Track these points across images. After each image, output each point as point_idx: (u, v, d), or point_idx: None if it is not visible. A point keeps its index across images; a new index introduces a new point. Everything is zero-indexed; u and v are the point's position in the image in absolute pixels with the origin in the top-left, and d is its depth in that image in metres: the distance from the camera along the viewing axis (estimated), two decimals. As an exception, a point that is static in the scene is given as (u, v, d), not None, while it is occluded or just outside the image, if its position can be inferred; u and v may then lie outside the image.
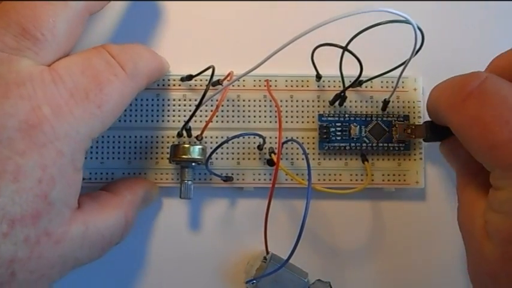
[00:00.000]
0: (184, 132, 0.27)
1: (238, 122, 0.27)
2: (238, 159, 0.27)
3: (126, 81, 0.22)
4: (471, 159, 0.22)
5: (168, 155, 0.26)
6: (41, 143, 0.20)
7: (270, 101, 0.27)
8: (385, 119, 0.27)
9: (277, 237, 0.26)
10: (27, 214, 0.19)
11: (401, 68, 0.25)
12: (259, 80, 0.27)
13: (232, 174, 0.27)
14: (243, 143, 0.27)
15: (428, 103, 0.24)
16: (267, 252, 0.26)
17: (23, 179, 0.19)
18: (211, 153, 0.25)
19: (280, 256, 0.26)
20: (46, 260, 0.20)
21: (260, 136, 0.26)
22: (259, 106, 0.27)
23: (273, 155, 0.26)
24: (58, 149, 0.20)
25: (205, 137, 0.27)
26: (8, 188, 0.19)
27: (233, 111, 0.27)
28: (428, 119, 0.27)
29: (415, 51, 0.23)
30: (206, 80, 0.27)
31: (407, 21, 0.21)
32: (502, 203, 0.20)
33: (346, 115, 0.27)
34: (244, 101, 0.27)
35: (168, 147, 0.27)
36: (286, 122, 0.27)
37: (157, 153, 0.27)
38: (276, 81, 0.27)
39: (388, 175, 0.27)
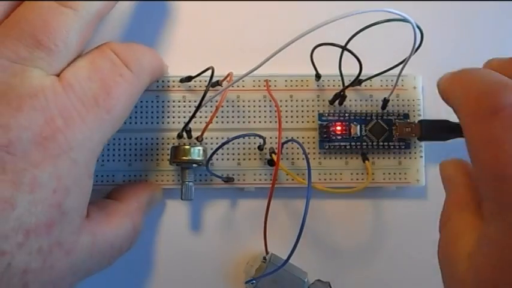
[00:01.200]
0: (185, 134, 0.27)
1: (238, 122, 0.27)
2: (238, 159, 0.27)
3: (132, 80, 0.22)
4: (469, 187, 0.20)
5: (169, 157, 0.26)
6: (55, 154, 0.20)
7: (270, 101, 0.27)
8: (385, 117, 0.27)
9: (277, 237, 0.26)
10: (41, 224, 0.19)
11: (400, 67, 0.25)
12: (259, 81, 0.27)
13: (233, 174, 0.27)
14: (243, 143, 0.27)
15: (446, 90, 0.21)
16: (267, 253, 0.26)
17: (38, 190, 0.19)
18: (212, 154, 0.25)
19: (280, 256, 0.26)
20: (58, 270, 0.20)
21: (260, 136, 0.26)
22: (259, 106, 0.27)
23: (273, 155, 0.26)
24: (72, 159, 0.20)
25: (206, 138, 0.27)
26: (24, 199, 0.19)
27: (233, 111, 0.27)
28: (426, 117, 0.27)
29: (414, 50, 0.23)
30: (205, 81, 0.27)
31: (406, 20, 0.21)
32: (488, 241, 0.18)
33: (346, 114, 0.27)
34: (244, 101, 0.27)
35: (168, 149, 0.27)
36: (286, 122, 0.27)
37: (157, 154, 0.27)
38: (275, 81, 0.27)
39: (389, 174, 0.27)
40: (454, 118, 0.27)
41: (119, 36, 0.28)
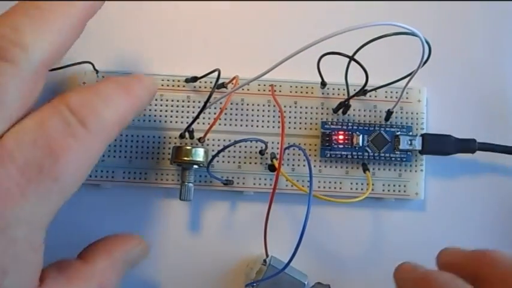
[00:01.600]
0: (187, 134, 0.27)
1: (241, 125, 0.27)
2: (239, 163, 0.27)
3: (88, 139, 0.19)
4: None
5: (170, 156, 0.26)
6: None
7: (274, 106, 0.27)
8: (388, 129, 0.27)
9: (277, 241, 0.26)
10: None
11: (406, 79, 0.25)
12: (264, 85, 0.27)
13: (233, 177, 0.27)
14: (245, 147, 0.27)
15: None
16: (267, 255, 0.25)
17: None
18: (214, 157, 0.25)
19: (280, 259, 0.26)
20: None
21: (262, 141, 0.26)
22: (263, 111, 0.27)
23: (274, 160, 0.26)
24: (9, 237, 0.18)
25: (207, 140, 0.27)
26: None
27: (236, 114, 0.27)
28: (429, 131, 0.27)
29: (422, 64, 0.23)
30: (211, 82, 0.27)
31: (414, 34, 0.21)
32: None
33: (349, 124, 0.27)
34: (248, 105, 0.27)
35: (169, 148, 0.27)
36: (289, 128, 0.27)
37: (158, 153, 0.27)
38: (280, 86, 0.27)
39: (389, 185, 0.27)
40: (456, 133, 0.27)
41: (125, 34, 0.28)
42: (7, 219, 0.18)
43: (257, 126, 0.27)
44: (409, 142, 0.27)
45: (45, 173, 0.18)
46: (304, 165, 0.27)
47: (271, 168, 0.27)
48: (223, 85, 0.27)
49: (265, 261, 0.25)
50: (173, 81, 0.27)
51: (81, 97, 0.20)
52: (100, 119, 0.19)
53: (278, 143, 0.27)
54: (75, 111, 0.19)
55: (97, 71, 0.27)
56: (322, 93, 0.28)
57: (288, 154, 0.27)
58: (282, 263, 0.24)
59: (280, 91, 0.27)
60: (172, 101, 0.27)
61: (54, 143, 0.18)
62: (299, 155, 0.27)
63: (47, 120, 0.19)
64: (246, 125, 0.27)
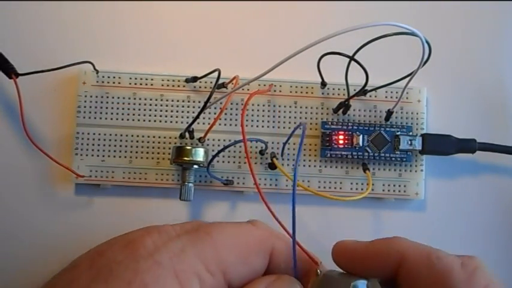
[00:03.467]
0: (187, 134, 0.27)
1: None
2: (239, 163, 0.27)
3: None
4: None
5: (170, 156, 0.26)
6: None
7: (274, 105, 0.27)
8: (388, 129, 0.27)
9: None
10: None
11: (407, 79, 0.25)
12: (264, 85, 0.27)
13: (233, 177, 0.27)
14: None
15: None
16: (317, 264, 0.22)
17: None
18: (214, 157, 0.25)
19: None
20: None
21: (262, 141, 0.26)
22: (263, 111, 0.27)
23: (274, 159, 0.26)
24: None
25: (207, 139, 0.27)
26: None
27: (236, 114, 0.27)
28: (429, 131, 0.27)
29: (422, 64, 0.23)
30: (211, 82, 0.27)
31: (414, 34, 0.21)
32: None
33: (350, 124, 0.27)
34: (248, 105, 0.27)
35: (169, 148, 0.27)
36: (289, 127, 0.27)
37: (158, 153, 0.27)
38: (280, 86, 0.27)
39: (389, 185, 0.27)
40: (456, 133, 0.27)
41: (127, 36, 0.28)
42: None
43: (257, 126, 0.27)
44: (409, 142, 0.27)
45: None
46: (304, 165, 0.27)
47: (272, 166, 0.27)
48: (223, 85, 0.27)
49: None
50: (173, 81, 0.27)
51: None
52: None
53: (278, 143, 0.27)
54: None
55: (97, 71, 0.27)
56: (322, 93, 0.28)
57: (288, 154, 0.27)
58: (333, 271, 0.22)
59: (280, 91, 0.27)
60: (173, 101, 0.27)
61: None
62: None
63: None
64: (246, 125, 0.27)
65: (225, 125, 0.27)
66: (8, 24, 0.28)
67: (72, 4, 0.28)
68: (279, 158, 0.27)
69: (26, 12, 0.28)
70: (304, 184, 0.27)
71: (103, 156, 0.27)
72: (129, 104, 0.27)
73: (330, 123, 0.27)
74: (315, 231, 0.27)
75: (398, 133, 0.27)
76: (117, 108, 0.27)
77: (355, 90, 0.26)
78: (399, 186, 0.27)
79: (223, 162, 0.27)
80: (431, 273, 0.19)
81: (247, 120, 0.27)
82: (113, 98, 0.27)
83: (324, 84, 0.27)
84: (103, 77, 0.27)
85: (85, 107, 0.27)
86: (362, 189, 0.27)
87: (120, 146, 0.27)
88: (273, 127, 0.27)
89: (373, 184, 0.27)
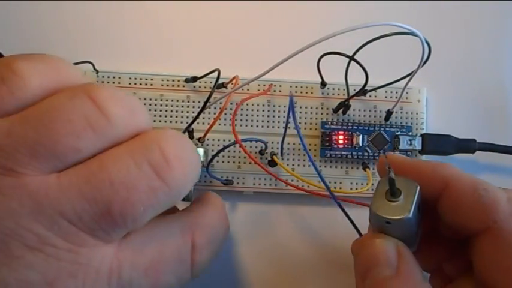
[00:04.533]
0: (187, 134, 0.27)
1: (241, 125, 0.27)
2: (239, 163, 0.27)
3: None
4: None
5: (170, 156, 0.26)
6: None
7: (274, 106, 0.27)
8: (387, 129, 0.27)
9: (279, 241, 0.26)
10: None
11: (406, 79, 0.25)
12: (264, 85, 0.27)
13: (233, 177, 0.27)
14: (245, 147, 0.27)
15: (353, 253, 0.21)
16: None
17: None
18: (214, 157, 0.25)
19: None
20: None
21: (262, 141, 0.26)
22: (263, 111, 0.27)
23: (274, 156, 0.26)
24: None
25: (207, 139, 0.27)
26: None
27: (236, 114, 0.27)
28: (429, 131, 0.27)
29: (422, 64, 0.23)
30: (211, 82, 0.27)
31: (414, 34, 0.21)
32: None
33: (349, 124, 0.27)
34: (248, 105, 0.27)
35: (169, 148, 0.27)
36: (289, 127, 0.27)
37: (158, 153, 0.27)
38: (280, 86, 0.27)
39: (389, 185, 0.27)
40: (456, 133, 0.27)
41: (121, 35, 0.28)
42: None
43: (257, 126, 0.27)
44: (409, 142, 0.27)
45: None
46: (304, 165, 0.27)
47: (272, 164, 0.27)
48: (223, 85, 0.27)
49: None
50: (173, 81, 0.27)
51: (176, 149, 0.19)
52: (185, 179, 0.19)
53: (278, 142, 0.27)
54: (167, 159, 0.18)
55: (97, 71, 0.27)
56: (322, 93, 0.28)
57: (288, 154, 0.27)
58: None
59: (280, 91, 0.27)
60: (172, 101, 0.27)
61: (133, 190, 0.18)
62: (299, 155, 0.27)
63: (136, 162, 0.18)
64: (246, 125, 0.27)
65: (224, 125, 0.27)
66: (8, 24, 0.28)
67: (72, 4, 0.28)
68: (278, 158, 0.27)
69: (26, 12, 0.28)
70: (304, 184, 0.26)
71: (103, 156, 0.27)
72: (129, 104, 0.27)
73: (329, 123, 0.27)
74: (315, 230, 0.27)
75: (398, 133, 0.27)
76: (117, 108, 0.27)
77: (354, 90, 0.26)
78: (399, 186, 0.27)
79: (223, 162, 0.27)
80: (476, 203, 0.19)
81: (246, 120, 0.27)
82: (113, 98, 0.27)
83: (323, 84, 0.27)
84: (103, 77, 0.27)
85: (85, 107, 0.27)
86: (362, 189, 0.27)
87: (120, 146, 0.27)
88: (273, 127, 0.27)
89: (372, 184, 0.27)
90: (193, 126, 0.26)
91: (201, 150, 0.26)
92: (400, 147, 0.27)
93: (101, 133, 0.18)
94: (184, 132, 0.26)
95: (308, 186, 0.26)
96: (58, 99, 0.18)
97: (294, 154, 0.27)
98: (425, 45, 0.22)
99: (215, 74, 0.26)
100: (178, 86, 0.27)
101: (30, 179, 0.17)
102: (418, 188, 0.19)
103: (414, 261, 0.19)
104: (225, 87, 0.27)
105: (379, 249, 0.19)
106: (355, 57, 0.24)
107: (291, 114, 0.24)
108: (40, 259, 0.17)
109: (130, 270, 0.18)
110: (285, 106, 0.27)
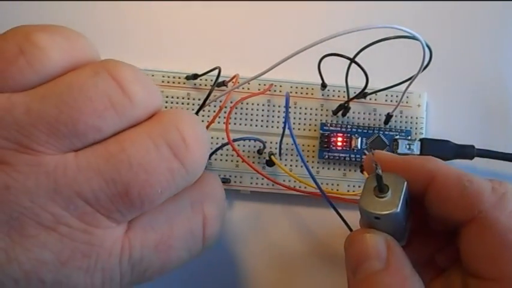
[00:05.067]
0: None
1: (240, 124, 0.27)
2: (237, 161, 0.27)
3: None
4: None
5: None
6: None
7: (274, 105, 0.27)
8: (386, 132, 0.27)
9: (276, 241, 0.26)
10: None
11: (407, 83, 0.25)
12: (264, 84, 0.27)
13: (230, 176, 0.27)
14: (243, 145, 0.27)
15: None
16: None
17: None
18: (211, 154, 0.25)
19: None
20: None
21: (260, 141, 0.26)
22: (262, 110, 0.27)
23: (272, 156, 0.26)
24: None
25: (206, 137, 0.27)
26: None
27: (235, 113, 0.27)
28: (428, 136, 0.27)
29: (423, 68, 0.23)
30: (211, 80, 0.27)
31: (415, 38, 0.21)
32: None
33: (349, 126, 0.27)
34: (247, 104, 0.27)
35: (168, 145, 0.27)
36: (288, 128, 0.27)
37: (157, 149, 0.27)
38: (280, 86, 0.27)
39: (386, 189, 0.27)
40: (455, 139, 0.27)
41: (122, 33, 0.28)
42: None
43: (256, 125, 0.27)
44: (408, 146, 0.27)
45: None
46: (302, 166, 0.27)
47: (269, 163, 0.27)
48: (223, 83, 0.27)
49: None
50: (174, 78, 0.27)
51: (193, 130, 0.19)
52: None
53: (277, 142, 0.27)
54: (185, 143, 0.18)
55: (98, 66, 0.27)
56: (322, 95, 0.28)
57: (286, 155, 0.27)
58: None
59: (280, 91, 0.27)
60: (173, 97, 0.27)
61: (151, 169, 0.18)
62: (297, 155, 0.27)
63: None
64: (245, 124, 0.27)
65: (223, 123, 0.27)
66: (8, 25, 0.28)
67: (73, 4, 0.28)
68: (276, 158, 0.27)
69: (26, 12, 0.28)
70: (301, 186, 0.26)
71: (101, 150, 0.27)
72: (128, 99, 0.27)
73: (329, 124, 0.27)
74: (314, 232, 0.27)
75: (397, 137, 0.27)
76: (117, 103, 0.27)
77: (355, 92, 0.26)
78: (396, 190, 0.27)
79: (220, 160, 0.27)
80: (461, 194, 0.19)
81: (246, 120, 0.27)
82: (113, 92, 0.27)
83: (324, 85, 0.27)
84: (104, 71, 0.27)
85: (85, 101, 0.27)
86: (359, 192, 0.27)
87: (119, 141, 0.27)
88: (272, 127, 0.27)
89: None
90: (192, 123, 0.26)
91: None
92: (399, 151, 0.27)
93: (123, 113, 0.17)
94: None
95: (305, 187, 0.26)
96: (80, 76, 0.17)
97: (292, 155, 0.27)
98: (427, 50, 0.22)
99: (216, 72, 0.26)
100: (178, 82, 0.27)
101: (48, 158, 0.17)
102: (405, 183, 0.20)
103: (403, 254, 0.19)
104: (226, 86, 0.27)
105: (369, 243, 0.19)
106: (356, 59, 0.24)
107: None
108: (54, 239, 0.17)
109: (141, 248, 0.18)
110: (284, 106, 0.27)
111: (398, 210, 0.19)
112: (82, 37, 0.19)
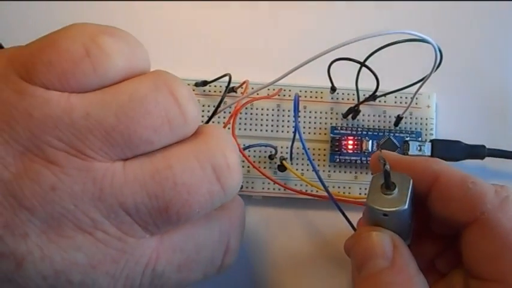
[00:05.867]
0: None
1: (250, 130, 0.27)
2: (248, 167, 0.27)
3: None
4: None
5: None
6: None
7: (283, 110, 0.27)
8: (397, 134, 0.27)
9: (288, 246, 0.27)
10: None
11: (417, 85, 0.25)
12: (273, 89, 0.27)
13: (242, 182, 0.27)
14: (254, 151, 0.27)
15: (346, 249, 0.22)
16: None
17: None
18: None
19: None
20: None
21: (272, 146, 0.26)
22: (272, 115, 0.27)
23: (284, 161, 0.26)
24: None
25: (217, 144, 0.27)
26: None
27: (245, 119, 0.27)
28: (438, 137, 0.27)
29: (434, 70, 0.23)
30: (220, 86, 0.27)
31: (426, 41, 0.21)
32: None
33: (359, 129, 0.27)
34: (257, 109, 0.27)
35: (179, 152, 0.27)
36: (298, 131, 0.27)
37: (168, 157, 0.27)
38: (290, 91, 0.27)
39: (398, 191, 0.27)
40: (465, 139, 0.27)
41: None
42: None
43: (266, 130, 0.27)
44: (419, 148, 0.27)
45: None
46: (313, 171, 0.27)
47: (281, 168, 0.27)
48: (233, 89, 0.27)
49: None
50: (183, 85, 0.27)
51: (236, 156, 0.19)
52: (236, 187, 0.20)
53: (288, 147, 0.27)
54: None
55: (107, 75, 0.27)
56: (332, 98, 0.28)
57: (297, 159, 0.27)
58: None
59: (289, 96, 0.27)
60: (182, 104, 0.27)
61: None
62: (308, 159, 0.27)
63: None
64: (255, 130, 0.27)
65: (229, 128, 0.27)
66: (8, 25, 0.28)
67: (75, 4, 0.28)
68: (288, 162, 0.27)
69: (26, 13, 0.28)
70: (312, 189, 0.26)
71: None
72: (138, 107, 0.27)
73: (339, 128, 0.27)
74: (323, 234, 0.27)
75: (408, 139, 0.27)
76: (127, 112, 0.27)
77: (364, 95, 0.26)
78: (408, 191, 0.27)
79: (232, 166, 0.27)
80: (464, 195, 0.20)
81: (256, 125, 0.27)
82: (123, 101, 0.27)
83: (333, 89, 0.27)
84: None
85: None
86: (371, 194, 0.27)
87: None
88: (282, 132, 0.27)
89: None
90: (202, 130, 0.26)
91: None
92: (410, 152, 0.27)
93: (176, 130, 0.18)
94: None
95: (317, 191, 0.26)
96: (141, 88, 0.18)
97: (303, 159, 0.27)
98: (438, 52, 0.22)
99: (225, 78, 0.26)
100: (188, 90, 0.27)
101: (98, 165, 0.17)
102: (411, 181, 0.20)
103: (409, 253, 0.20)
104: (235, 92, 0.27)
105: (375, 241, 0.20)
106: (366, 62, 0.24)
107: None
108: (90, 242, 0.17)
109: (166, 264, 0.19)
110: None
111: (406, 206, 0.19)
112: (141, 45, 0.19)
